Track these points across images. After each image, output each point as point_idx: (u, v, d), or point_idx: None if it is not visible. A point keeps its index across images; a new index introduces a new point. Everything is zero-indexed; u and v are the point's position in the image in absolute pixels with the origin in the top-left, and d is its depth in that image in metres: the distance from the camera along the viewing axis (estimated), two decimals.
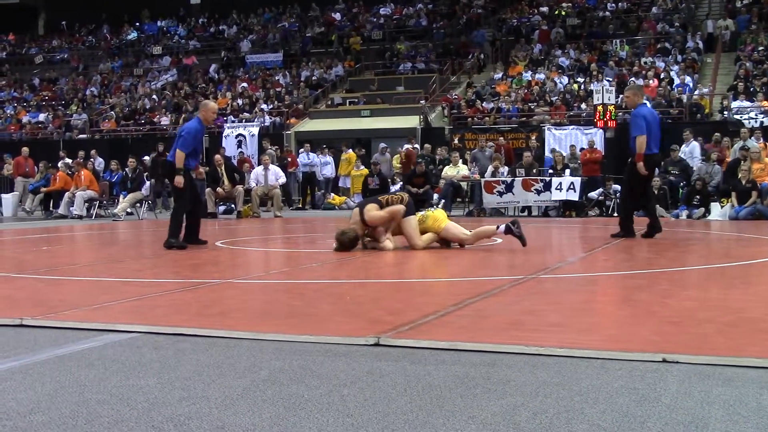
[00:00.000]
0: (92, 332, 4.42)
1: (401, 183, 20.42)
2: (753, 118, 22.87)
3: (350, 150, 24.66)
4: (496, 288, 5.93)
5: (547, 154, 22.63)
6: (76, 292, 6.31)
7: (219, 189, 18.74)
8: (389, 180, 21.93)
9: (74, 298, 5.87)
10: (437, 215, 9.62)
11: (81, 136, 31.45)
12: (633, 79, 26.54)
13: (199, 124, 10.37)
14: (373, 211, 9.20)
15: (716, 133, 20.32)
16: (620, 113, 23.70)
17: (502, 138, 23.51)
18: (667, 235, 9.89)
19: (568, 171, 19.05)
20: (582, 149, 20.85)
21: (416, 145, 23.77)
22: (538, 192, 18.15)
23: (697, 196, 16.92)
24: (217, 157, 20.11)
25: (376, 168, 21.24)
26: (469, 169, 20.17)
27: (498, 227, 9.43)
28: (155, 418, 2.84)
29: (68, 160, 23.15)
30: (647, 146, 10.45)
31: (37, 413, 2.92)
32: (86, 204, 19.31)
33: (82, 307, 5.25)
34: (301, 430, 2.71)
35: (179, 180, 9.95)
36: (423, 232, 9.42)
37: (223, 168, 19.13)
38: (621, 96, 24.88)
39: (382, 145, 24.22)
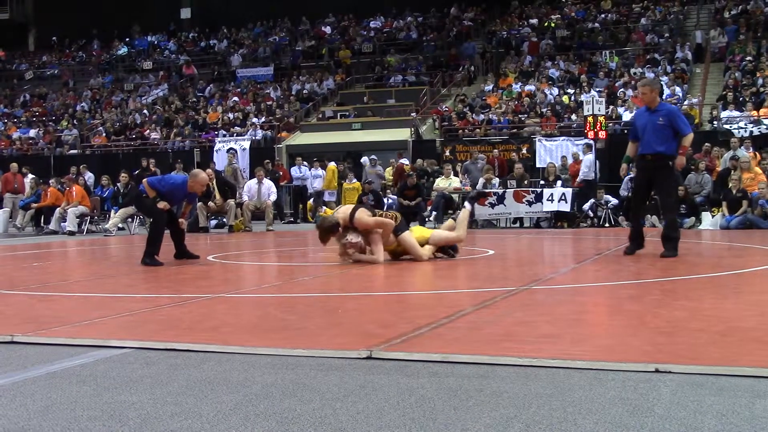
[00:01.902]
0: (84, 348, 4.40)
1: (395, 196, 20.43)
2: (742, 128, 23.00)
3: (332, 163, 24.69)
4: (489, 300, 5.93)
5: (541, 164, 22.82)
6: (68, 308, 6.29)
7: (210, 203, 18.72)
8: (381, 193, 21.97)
9: (65, 314, 5.85)
10: (419, 229, 9.94)
11: (72, 151, 31.42)
12: (628, 83, 26.65)
13: (182, 186, 10.26)
14: (364, 214, 9.16)
15: (706, 143, 20.41)
16: (610, 124, 23.81)
17: (496, 150, 23.61)
18: (658, 246, 9.89)
19: (559, 182, 19.10)
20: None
21: (405, 159, 23.85)
22: (530, 203, 18.19)
23: (683, 205, 16.98)
24: (208, 171, 20.07)
25: (368, 187, 21.28)
26: (461, 181, 20.21)
27: (465, 205, 10.37)
28: None
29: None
30: (649, 147, 9.54)
31: (29, 430, 2.90)
32: (77, 219, 19.25)
33: (73, 323, 5.23)
34: None
35: (162, 205, 9.99)
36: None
37: (214, 182, 19.11)
38: (611, 107, 25.05)
39: (373, 157, 24.27)
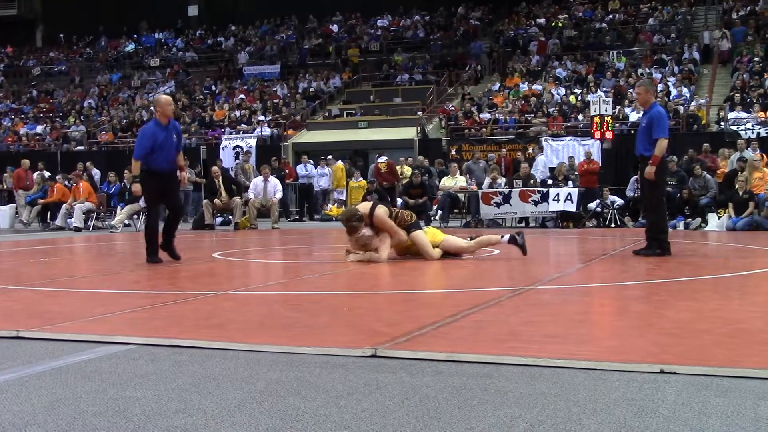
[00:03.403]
0: (89, 344, 4.41)
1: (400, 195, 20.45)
2: (749, 129, 22.94)
3: (339, 162, 24.69)
4: (494, 299, 5.93)
5: (549, 165, 22.82)
6: (73, 304, 6.30)
7: (216, 200, 18.75)
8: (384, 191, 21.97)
9: (71, 309, 5.86)
10: (433, 230, 9.77)
11: (78, 147, 31.47)
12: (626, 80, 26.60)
13: (155, 126, 9.57)
14: (383, 212, 9.16)
15: (705, 144, 20.37)
16: (617, 124, 23.77)
17: (504, 150, 23.62)
18: (677, 248, 9.84)
19: (570, 183, 19.06)
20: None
21: (384, 158, 23.79)
22: (536, 203, 18.16)
23: (686, 207, 17.02)
24: (215, 168, 20.15)
25: (372, 186, 21.28)
26: (467, 181, 20.21)
27: (502, 237, 9.56)
28: (151, 430, 2.83)
29: (46, 173, 23.03)
30: (636, 148, 9.79)
31: (33, 426, 2.91)
32: (84, 216, 19.30)
33: (78, 319, 5.24)
34: None
35: (135, 188, 9.68)
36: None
37: (220, 179, 19.14)
38: (618, 107, 25.03)
39: (378, 155, 24.24)
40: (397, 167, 23.87)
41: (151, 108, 33.99)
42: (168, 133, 9.56)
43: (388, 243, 9.19)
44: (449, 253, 9.56)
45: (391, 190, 21.14)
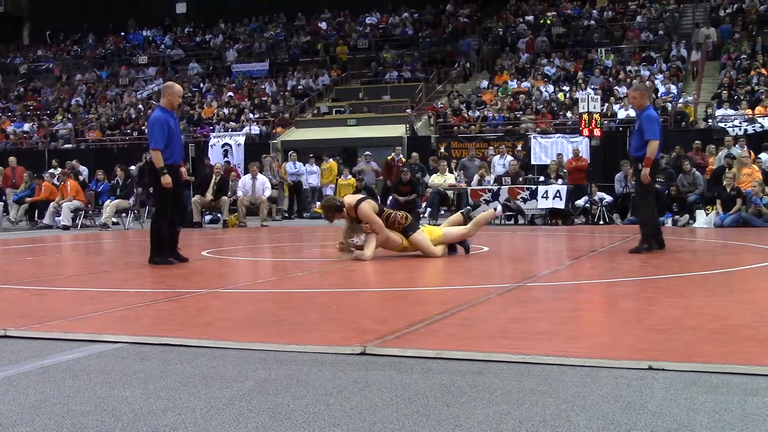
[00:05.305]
0: (77, 343, 4.40)
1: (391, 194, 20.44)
2: (737, 126, 23.01)
3: (331, 159, 24.67)
4: (483, 296, 5.93)
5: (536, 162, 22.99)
6: (61, 303, 6.28)
7: (207, 193, 18.70)
8: (373, 186, 21.99)
9: (59, 308, 5.84)
10: (429, 228, 9.83)
11: (66, 145, 31.33)
12: (621, 83, 26.65)
13: (164, 113, 8.95)
14: (368, 207, 9.15)
15: (696, 141, 20.44)
16: (605, 121, 23.83)
17: (492, 148, 23.67)
18: (671, 244, 9.87)
19: (561, 180, 19.08)
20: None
21: (401, 155, 23.78)
22: (525, 200, 18.17)
23: (674, 203, 17.10)
24: (219, 165, 20.23)
25: (361, 183, 21.25)
26: (455, 178, 20.21)
27: (495, 209, 9.68)
28: (140, 429, 2.82)
29: (58, 170, 22.95)
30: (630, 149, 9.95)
31: (21, 425, 2.89)
32: (72, 214, 19.20)
33: (66, 317, 5.22)
34: None
35: (166, 180, 8.80)
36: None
37: (217, 178, 19.08)
38: (606, 104, 25.09)
39: (367, 153, 24.23)
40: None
41: (140, 106, 33.89)
42: (176, 121, 9.17)
43: (373, 242, 9.19)
44: (462, 244, 9.63)
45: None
